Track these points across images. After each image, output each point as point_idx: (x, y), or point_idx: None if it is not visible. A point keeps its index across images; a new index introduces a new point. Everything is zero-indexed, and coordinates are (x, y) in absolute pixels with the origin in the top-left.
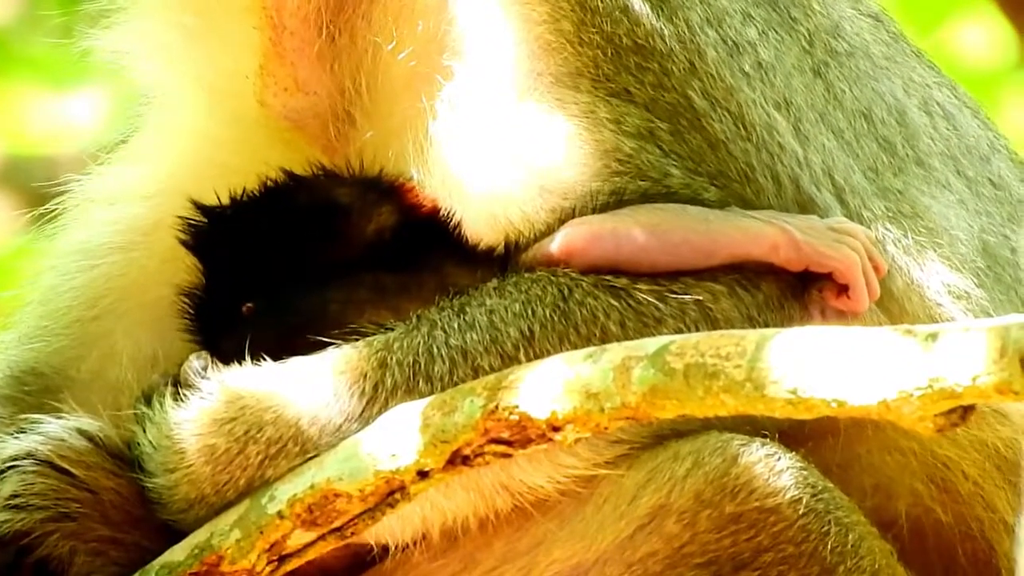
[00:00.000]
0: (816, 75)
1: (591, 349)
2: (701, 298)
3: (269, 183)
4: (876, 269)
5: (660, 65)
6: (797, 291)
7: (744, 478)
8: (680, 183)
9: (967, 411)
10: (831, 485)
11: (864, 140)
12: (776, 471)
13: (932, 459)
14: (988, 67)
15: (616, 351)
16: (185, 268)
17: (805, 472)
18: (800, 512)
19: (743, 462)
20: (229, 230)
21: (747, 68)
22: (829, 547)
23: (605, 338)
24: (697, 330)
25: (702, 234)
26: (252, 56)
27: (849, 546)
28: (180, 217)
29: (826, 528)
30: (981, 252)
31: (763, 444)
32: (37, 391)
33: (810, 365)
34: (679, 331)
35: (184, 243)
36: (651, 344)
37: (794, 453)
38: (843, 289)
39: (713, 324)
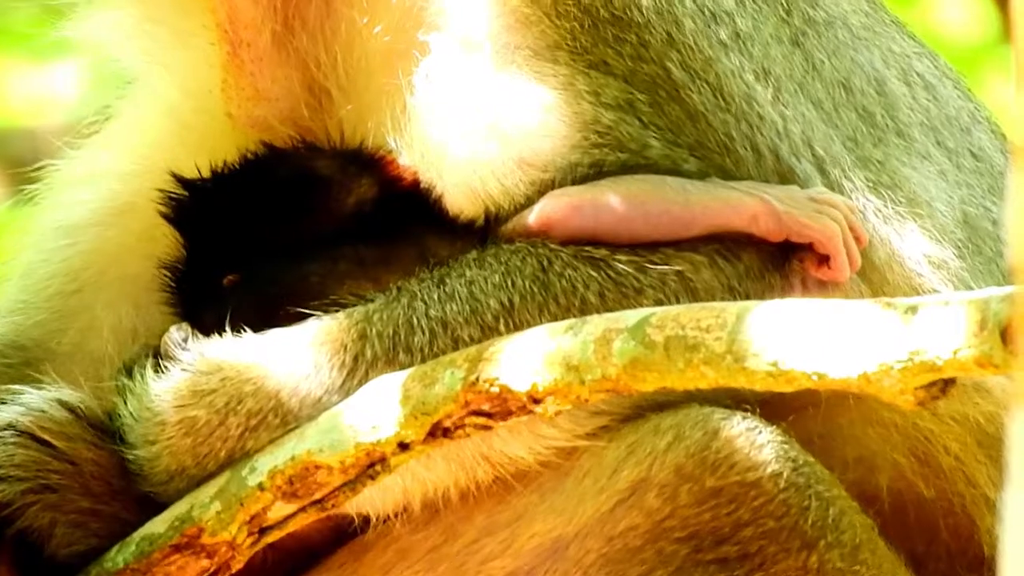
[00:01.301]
0: (794, 45)
1: (571, 321)
2: (681, 269)
3: (249, 156)
4: (857, 239)
5: (638, 36)
6: (778, 261)
7: (725, 452)
8: (660, 154)
9: (948, 384)
10: (812, 459)
11: (843, 110)
12: (757, 445)
13: (914, 432)
14: (969, 42)
15: (596, 323)
16: (165, 243)
17: (786, 446)
18: (781, 486)
19: (724, 436)
20: (209, 203)
21: (725, 38)
22: (810, 521)
23: (585, 309)
24: (678, 301)
25: (681, 205)
26: (214, 71)
27: (830, 520)
28: (160, 190)
29: (807, 502)
30: (962, 223)
31: (744, 417)
32: (18, 363)
33: (790, 337)
34: (659, 302)
35: (164, 216)
36: (631, 316)
37: (775, 426)
38: (824, 259)
39: (693, 295)
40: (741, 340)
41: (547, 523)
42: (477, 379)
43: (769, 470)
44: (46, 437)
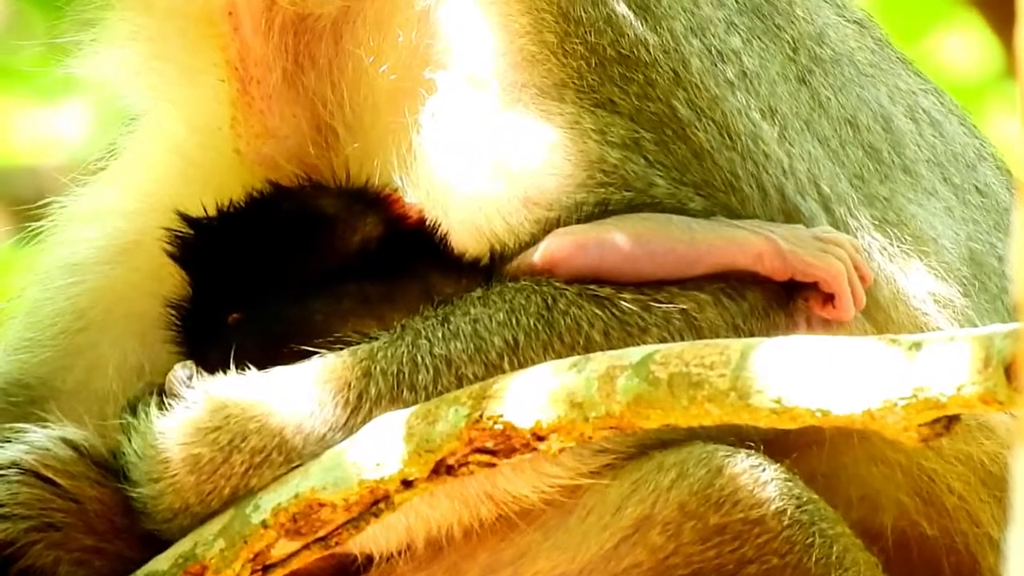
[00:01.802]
0: (801, 82)
1: (576, 358)
2: (686, 307)
3: (255, 194)
4: (862, 278)
5: (644, 75)
6: (782, 300)
7: (729, 489)
8: (665, 193)
9: (951, 421)
10: (816, 496)
11: (850, 147)
12: (761, 482)
13: (918, 472)
14: (973, 77)
15: (600, 360)
16: (171, 281)
17: (790, 483)
18: (785, 524)
19: (728, 473)
20: (215, 241)
21: (731, 77)
22: (813, 559)
23: (589, 347)
24: (682, 339)
25: (687, 243)
26: (222, 108)
27: (833, 558)
28: (166, 228)
29: (811, 540)
30: (967, 260)
31: (748, 455)
32: (23, 402)
33: (795, 374)
34: (663, 340)
35: (170, 254)
36: (635, 353)
37: (779, 464)
38: (828, 298)
39: (698, 333)
40: (745, 377)
41: (551, 561)
42: (481, 416)
43: (773, 507)
44: (50, 475)
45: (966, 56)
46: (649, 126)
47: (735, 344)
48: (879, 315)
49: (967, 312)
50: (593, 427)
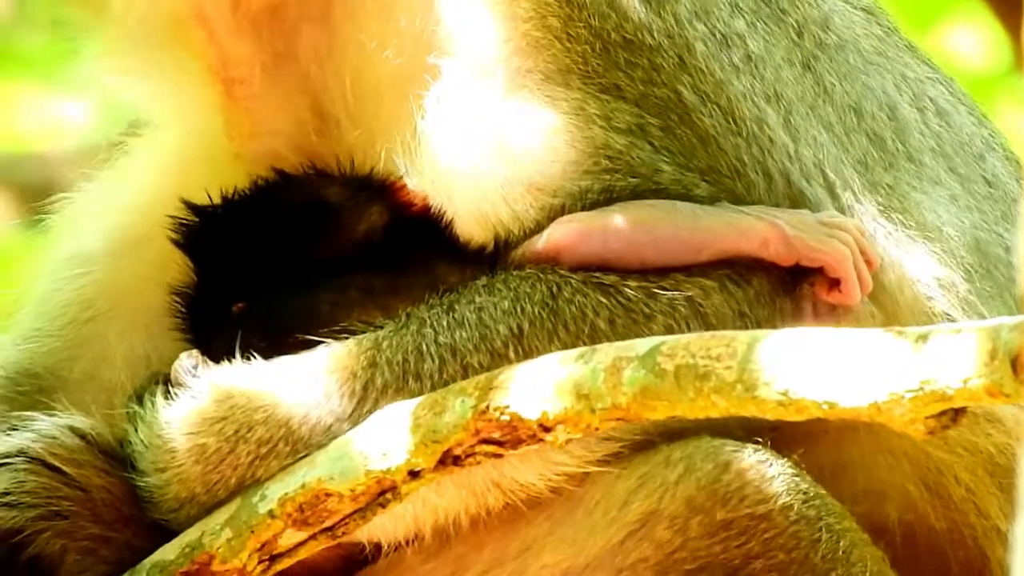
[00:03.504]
0: (805, 68)
1: (582, 349)
2: (691, 294)
3: (260, 182)
4: (868, 263)
5: (649, 60)
6: (788, 286)
7: (735, 484)
8: (671, 179)
9: (958, 413)
10: (823, 491)
11: (854, 134)
12: (768, 477)
13: (925, 462)
14: (982, 71)
15: (607, 352)
16: (178, 272)
17: (797, 478)
18: (791, 519)
19: (735, 468)
20: (220, 229)
21: (736, 61)
22: (820, 554)
23: (594, 335)
24: (688, 326)
25: (691, 230)
26: (213, 113)
27: (840, 552)
28: (171, 216)
29: (817, 535)
30: (973, 249)
31: (755, 450)
32: (31, 391)
33: (801, 366)
34: (669, 328)
35: (175, 242)
36: (642, 345)
37: (786, 459)
38: (834, 283)
39: (704, 320)
40: (752, 369)
41: (557, 554)
42: (487, 407)
43: (780, 503)
44: (57, 463)
45: (975, 49)
46: (655, 111)
47: (742, 336)
48: (885, 299)
49: (971, 299)
50: (600, 418)
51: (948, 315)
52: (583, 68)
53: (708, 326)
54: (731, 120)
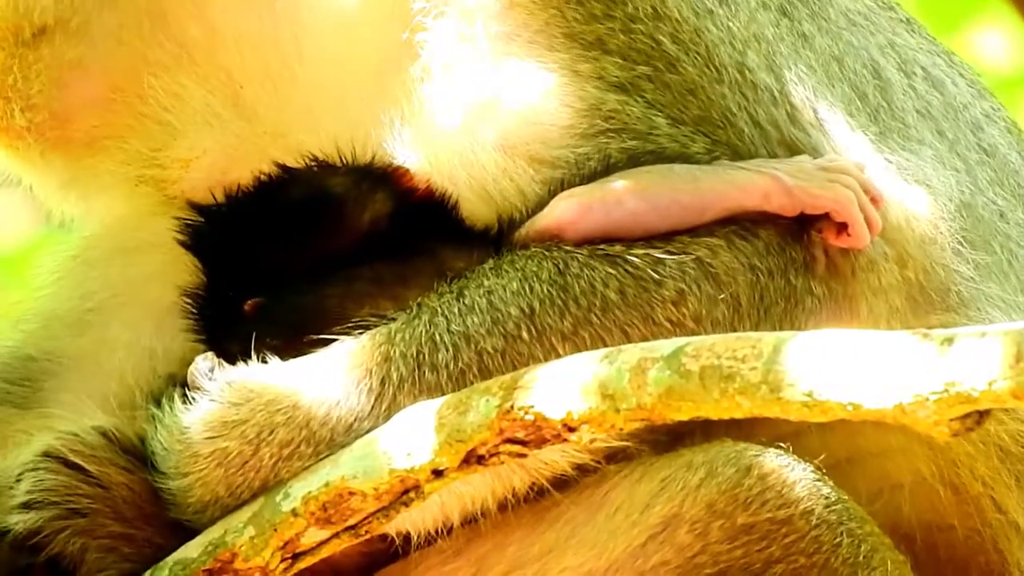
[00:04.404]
0: (781, 14)
1: (607, 350)
2: (699, 255)
3: (263, 178)
4: (873, 201)
5: (623, 11)
6: (797, 234)
7: (757, 489)
8: (666, 135)
9: (983, 415)
10: (845, 496)
11: (837, 83)
12: (789, 482)
13: (942, 455)
14: (1008, 72)
15: (632, 352)
16: (186, 269)
17: (818, 483)
18: (812, 523)
19: (756, 472)
20: (226, 228)
21: (709, 5)
22: (841, 559)
23: (605, 307)
24: (699, 288)
25: (691, 192)
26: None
27: (861, 557)
28: (176, 217)
29: (838, 539)
30: (961, 207)
31: (777, 454)
32: (21, 378)
33: (826, 368)
34: (680, 292)
35: (182, 243)
36: (667, 346)
37: (808, 463)
38: (842, 227)
39: (714, 279)
40: (777, 370)
41: (578, 557)
42: (512, 407)
43: (801, 507)
44: (77, 461)
45: (1001, 50)
46: (641, 61)
47: (767, 337)
48: (895, 236)
49: (962, 243)
50: (624, 419)
51: (956, 248)
52: (562, 24)
53: (719, 284)
54: (712, 68)
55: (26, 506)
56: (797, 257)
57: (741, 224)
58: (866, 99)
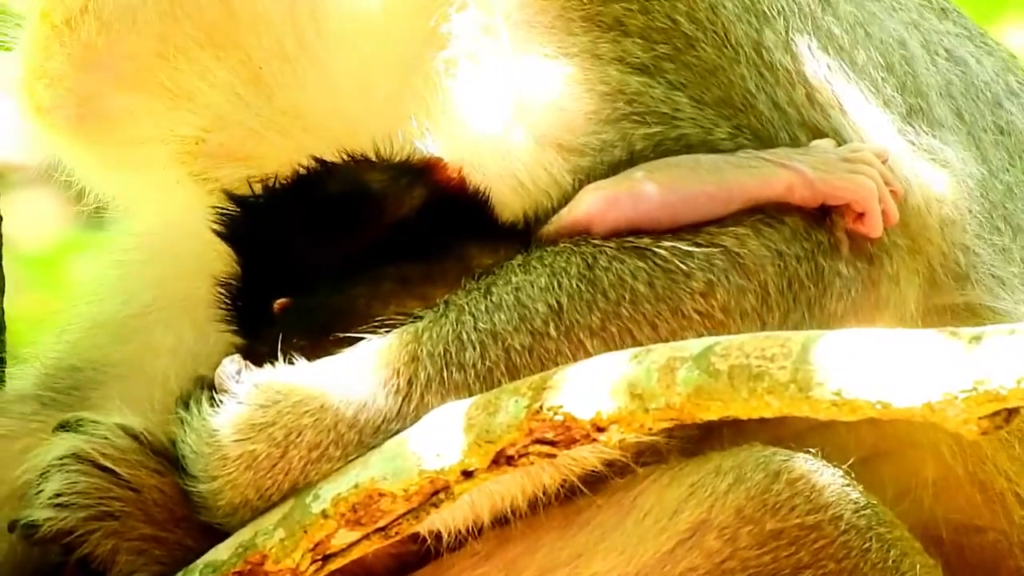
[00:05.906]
0: None
1: (636, 349)
2: (727, 244)
3: (301, 171)
4: (893, 192)
5: None
6: (820, 218)
7: (786, 494)
8: (689, 118)
9: (1012, 413)
10: (874, 500)
11: (862, 48)
12: (818, 487)
13: (969, 452)
14: None
15: (661, 351)
16: (223, 264)
17: (847, 488)
18: (841, 529)
19: (785, 478)
20: (262, 219)
21: None
22: (870, 564)
23: (635, 300)
24: (727, 278)
25: (717, 184)
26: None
27: (890, 562)
28: (213, 207)
29: (867, 545)
30: (979, 189)
31: (806, 459)
32: (68, 387)
33: (855, 367)
34: (709, 282)
35: (217, 232)
36: (696, 345)
37: (836, 466)
38: (860, 214)
39: (743, 269)
40: (805, 369)
41: (607, 562)
42: (541, 407)
43: (830, 512)
44: (108, 464)
45: None
46: (661, 40)
47: (796, 336)
48: (913, 222)
49: (982, 226)
50: (653, 418)
51: (975, 227)
52: (580, 7)
53: (747, 274)
54: (729, 47)
55: (58, 505)
56: (823, 240)
57: (766, 212)
58: (893, 69)
